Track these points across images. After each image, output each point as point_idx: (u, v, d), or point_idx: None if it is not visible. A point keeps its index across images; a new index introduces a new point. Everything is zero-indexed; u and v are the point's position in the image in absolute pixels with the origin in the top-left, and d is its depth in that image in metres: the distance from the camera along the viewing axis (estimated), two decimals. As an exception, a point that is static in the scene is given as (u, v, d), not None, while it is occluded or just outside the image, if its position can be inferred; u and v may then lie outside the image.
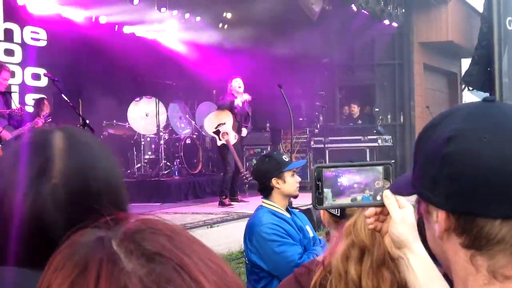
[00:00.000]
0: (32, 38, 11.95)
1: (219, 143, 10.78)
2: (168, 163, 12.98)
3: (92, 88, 12.02)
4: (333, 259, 1.87)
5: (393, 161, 13.73)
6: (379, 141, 14.15)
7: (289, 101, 10.06)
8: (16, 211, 1.06)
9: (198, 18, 14.26)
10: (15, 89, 11.05)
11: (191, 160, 13.30)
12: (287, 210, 4.17)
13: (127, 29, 13.59)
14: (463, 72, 11.88)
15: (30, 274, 0.99)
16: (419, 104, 16.30)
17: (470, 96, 17.78)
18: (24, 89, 11.55)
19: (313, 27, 13.38)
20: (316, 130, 14.96)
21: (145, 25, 13.69)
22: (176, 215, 9.82)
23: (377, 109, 16.06)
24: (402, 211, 1.35)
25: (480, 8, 10.38)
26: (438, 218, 1.05)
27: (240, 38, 14.12)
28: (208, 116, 11.36)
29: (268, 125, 15.07)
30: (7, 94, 9.01)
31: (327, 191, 1.34)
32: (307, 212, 7.75)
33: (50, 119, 9.17)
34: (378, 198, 1.35)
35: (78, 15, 12.39)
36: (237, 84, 10.75)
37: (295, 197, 4.38)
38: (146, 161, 12.91)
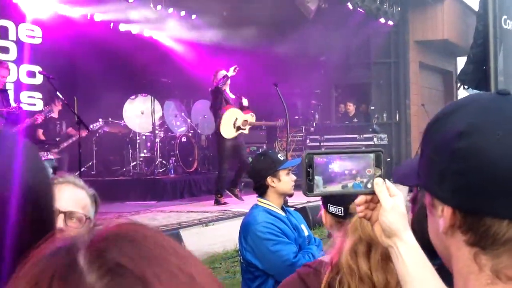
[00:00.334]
0: (27, 36, 11.91)
1: (231, 135, 10.54)
2: (163, 161, 12.97)
3: (87, 86, 12.00)
4: (341, 257, 1.86)
5: (389, 159, 13.75)
6: (375, 139, 14.17)
7: (285, 99, 10.05)
8: None
9: (193, 16, 14.24)
10: (9, 86, 11.01)
11: (186, 158, 13.28)
12: (282, 208, 4.16)
13: (122, 27, 13.57)
14: (458, 71, 11.87)
15: None
16: (415, 103, 16.33)
17: (465, 95, 17.76)
18: (19, 86, 11.52)
19: (309, 26, 13.38)
20: (312, 129, 14.98)
21: (140, 23, 13.67)
22: (171, 213, 9.81)
23: (372, 108, 16.07)
24: (393, 200, 1.33)
25: (475, 6, 10.38)
26: (444, 213, 1.03)
27: (235, 36, 14.10)
28: (222, 126, 10.57)
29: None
30: (4, 91, 8.99)
31: (318, 178, 1.32)
32: (302, 210, 7.77)
33: (50, 115, 9.16)
34: (369, 185, 1.33)
35: (73, 12, 12.36)
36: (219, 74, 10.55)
37: (290, 195, 4.37)
38: (141, 159, 12.90)
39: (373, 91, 16.53)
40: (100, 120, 12.12)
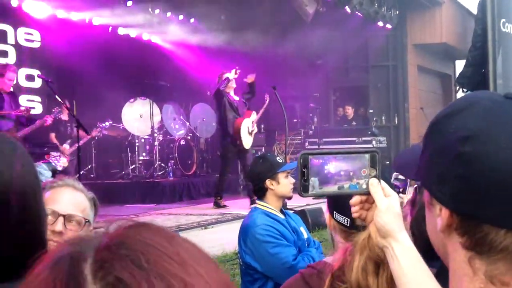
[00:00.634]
0: (26, 40, 11.91)
1: (250, 143, 10.50)
2: (162, 164, 12.97)
3: (86, 89, 12.00)
4: (351, 271, 1.87)
5: (388, 162, 13.75)
6: (374, 142, 14.17)
7: (283, 102, 10.05)
8: None
9: (192, 20, 14.26)
10: (8, 90, 11.02)
11: (185, 161, 13.29)
12: (281, 211, 4.17)
13: (121, 31, 13.58)
14: (457, 74, 11.88)
15: None
16: (413, 106, 16.34)
17: (464, 98, 17.78)
18: (18, 90, 11.50)
19: (307, 29, 13.39)
20: (311, 132, 14.99)
21: (139, 27, 13.68)
22: (170, 216, 9.81)
23: (371, 111, 16.09)
24: (388, 200, 1.32)
25: (474, 9, 10.40)
26: (441, 213, 1.03)
27: (234, 40, 14.11)
28: (243, 141, 10.44)
29: (262, 126, 15.08)
30: (12, 94, 9.03)
31: (314, 179, 1.31)
32: (301, 213, 7.77)
33: (60, 117, 9.17)
34: (364, 186, 1.32)
35: (71, 16, 12.36)
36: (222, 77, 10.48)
37: (289, 198, 4.37)
38: (140, 162, 12.90)
39: (371, 94, 16.55)
40: (110, 120, 12.20)
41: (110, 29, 13.25)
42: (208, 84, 14.80)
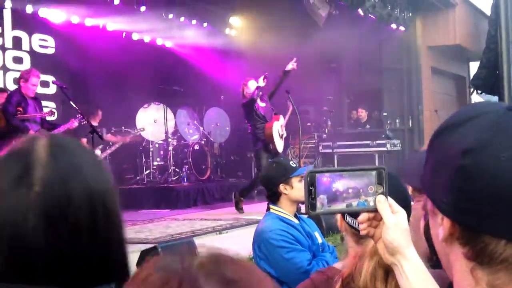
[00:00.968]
0: (41, 46, 12.01)
1: (282, 146, 10.45)
2: (176, 169, 13.00)
3: (100, 95, 12.07)
4: (359, 276, 1.86)
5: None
6: (388, 145, 14.10)
7: (297, 106, 10.04)
8: None
9: (205, 24, 14.30)
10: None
11: (199, 166, 13.30)
12: (295, 216, 4.16)
13: (135, 36, 13.64)
14: (471, 76, 11.82)
15: None
16: (428, 108, 16.27)
17: (478, 100, 17.72)
18: (33, 96, 11.61)
19: (320, 33, 13.37)
20: (324, 135, 14.95)
21: (152, 32, 13.74)
22: (185, 221, 9.82)
23: (385, 114, 16.03)
24: (395, 217, 1.32)
25: (488, 11, 10.35)
26: (443, 223, 1.03)
27: (247, 43, 14.15)
28: (276, 145, 10.32)
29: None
30: (36, 99, 9.12)
31: (322, 197, 1.32)
32: (315, 218, 7.74)
33: (84, 121, 9.24)
34: (372, 203, 1.33)
35: (86, 22, 12.43)
36: (250, 85, 10.29)
37: (303, 202, 4.35)
38: (155, 167, 12.93)
39: (385, 97, 16.49)
40: (143, 128, 12.37)
41: (124, 34, 13.31)
42: (222, 88, 14.87)
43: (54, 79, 10.91)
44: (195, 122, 14.10)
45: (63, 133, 8.77)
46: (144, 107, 13.29)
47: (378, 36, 15.36)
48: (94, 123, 10.77)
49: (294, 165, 4.23)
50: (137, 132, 12.47)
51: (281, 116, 10.53)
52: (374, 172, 1.34)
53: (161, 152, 13.08)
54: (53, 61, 11.95)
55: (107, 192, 1.14)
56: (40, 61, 11.62)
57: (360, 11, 13.43)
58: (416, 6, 15.80)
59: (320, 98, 15.93)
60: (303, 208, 6.77)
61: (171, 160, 12.85)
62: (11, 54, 11.59)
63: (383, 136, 14.45)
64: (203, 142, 13.77)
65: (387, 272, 1.79)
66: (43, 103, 11.55)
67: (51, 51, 12.19)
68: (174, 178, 12.81)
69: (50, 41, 12.18)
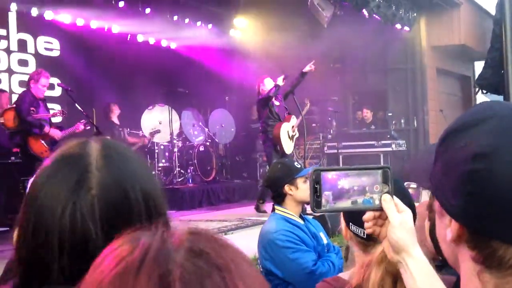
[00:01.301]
0: (45, 48, 12.04)
1: (291, 148, 10.40)
2: (182, 171, 13.00)
3: (105, 97, 12.08)
4: (366, 286, 1.86)
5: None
6: (393, 145, 14.10)
7: (302, 107, 10.04)
8: (55, 224, 1.06)
9: (210, 26, 14.31)
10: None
11: (205, 168, 13.31)
12: (300, 216, 4.16)
13: (140, 38, 13.66)
14: (476, 75, 11.79)
15: None
16: (433, 108, 16.23)
17: (484, 100, 17.68)
18: (39, 98, 11.64)
19: (325, 33, 13.37)
20: (329, 136, 14.95)
21: (157, 33, 13.76)
22: (190, 222, 9.79)
23: (390, 114, 16.00)
24: (401, 216, 1.33)
25: (492, 10, 10.32)
26: (451, 225, 1.02)
27: (251, 44, 14.14)
28: (284, 146, 10.27)
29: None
30: (45, 101, 9.19)
31: (328, 194, 1.33)
32: (321, 219, 7.73)
33: (88, 126, 9.34)
34: (377, 202, 1.33)
35: (90, 25, 12.45)
36: (266, 82, 10.26)
37: (308, 203, 4.35)
38: (160, 169, 12.94)
39: (390, 97, 16.47)
40: (159, 130, 12.53)
41: (129, 36, 13.33)
42: (226, 89, 14.89)
43: (59, 81, 10.93)
44: (200, 123, 14.11)
45: (69, 136, 8.82)
46: (149, 109, 13.31)
47: (382, 37, 15.32)
48: (115, 120, 10.86)
49: (299, 166, 4.23)
50: (154, 131, 12.52)
51: (293, 117, 10.50)
52: (379, 171, 1.34)
53: (166, 154, 13.09)
54: (58, 63, 11.97)
55: (158, 194, 1.16)
56: (45, 64, 11.63)
57: (365, 12, 13.41)
58: (420, 6, 15.76)
59: (325, 98, 15.91)
60: (308, 209, 6.78)
61: (176, 161, 12.85)
62: (16, 56, 11.62)
63: (388, 136, 14.45)
64: (208, 143, 13.78)
65: (395, 280, 1.79)
66: (49, 105, 11.64)
67: (56, 53, 12.22)
68: (179, 180, 12.81)
69: (55, 44, 12.21)
